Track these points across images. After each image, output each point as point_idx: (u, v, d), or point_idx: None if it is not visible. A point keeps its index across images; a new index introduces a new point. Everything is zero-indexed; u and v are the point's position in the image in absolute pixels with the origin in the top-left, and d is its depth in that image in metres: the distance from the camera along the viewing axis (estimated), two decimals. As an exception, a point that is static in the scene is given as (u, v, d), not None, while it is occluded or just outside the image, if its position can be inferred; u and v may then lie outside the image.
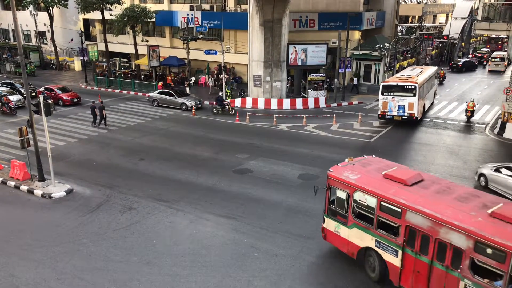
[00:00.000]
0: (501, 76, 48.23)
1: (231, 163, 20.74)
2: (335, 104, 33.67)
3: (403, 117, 26.59)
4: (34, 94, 32.90)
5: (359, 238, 11.78)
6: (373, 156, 13.90)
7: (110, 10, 40.96)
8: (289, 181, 18.58)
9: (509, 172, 16.76)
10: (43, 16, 48.79)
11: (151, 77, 42.03)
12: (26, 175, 18.69)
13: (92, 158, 21.78)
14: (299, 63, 33.88)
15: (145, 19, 39.95)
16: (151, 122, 28.83)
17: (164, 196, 17.13)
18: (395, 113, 26.70)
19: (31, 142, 17.75)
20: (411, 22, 65.70)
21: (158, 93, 33.74)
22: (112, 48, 45.71)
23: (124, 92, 39.27)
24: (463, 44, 63.84)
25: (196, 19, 41.64)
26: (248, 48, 33.99)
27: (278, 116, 29.60)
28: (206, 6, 43.02)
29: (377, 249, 11.32)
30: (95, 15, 43.93)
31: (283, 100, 32.99)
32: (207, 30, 38.67)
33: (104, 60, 46.24)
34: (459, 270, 9.50)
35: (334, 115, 29.25)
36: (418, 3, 72.50)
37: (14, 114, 30.12)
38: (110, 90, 39.92)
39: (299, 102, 32.96)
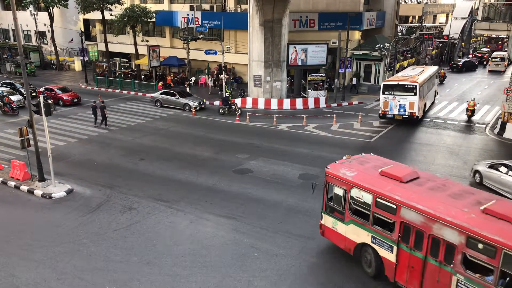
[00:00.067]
0: (501, 76, 48.22)
1: (231, 163, 20.74)
2: (335, 104, 33.67)
3: (404, 116, 26.77)
4: (34, 94, 32.91)
5: (355, 234, 11.97)
6: (371, 154, 14.05)
7: (110, 10, 40.98)
8: (289, 181, 18.58)
9: (504, 169, 16.98)
10: (43, 16, 48.81)
11: (151, 77, 42.04)
12: (26, 175, 18.70)
13: (92, 158, 21.78)
14: (299, 63, 33.88)
15: (145, 19, 39.96)
16: (151, 122, 28.83)
17: (164, 196, 17.13)
18: (396, 112, 26.88)
19: (31, 142, 17.76)
20: (411, 22, 65.70)
21: (161, 93, 33.65)
22: (112, 48, 45.73)
23: (124, 92, 39.28)
24: (463, 44, 63.83)
25: (196, 19, 41.65)
26: (248, 48, 33.99)
27: (278, 116, 29.60)
28: (206, 6, 43.03)
29: (373, 245, 11.50)
30: (95, 15, 43.95)
31: (283, 100, 32.99)
32: (207, 30, 38.70)
33: (104, 60, 46.25)
34: (451, 265, 9.67)
35: (334, 115, 29.25)
36: (418, 3, 72.52)
37: (16, 114, 30.11)
38: (110, 90, 39.93)
39: (299, 102, 32.96)
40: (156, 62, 40.42)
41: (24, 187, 18.06)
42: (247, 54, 34.79)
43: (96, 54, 43.83)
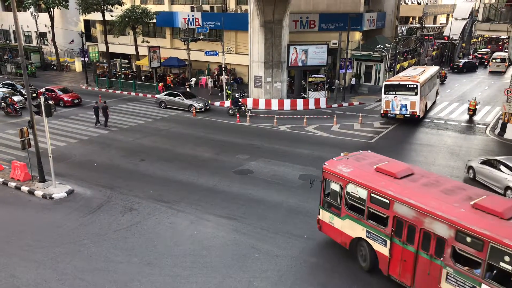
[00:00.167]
0: (502, 77, 48.20)
1: (232, 164, 20.74)
2: (336, 105, 33.66)
3: (405, 115, 26.99)
4: (35, 95, 32.93)
5: (351, 228, 12.23)
6: (369, 151, 14.27)
7: (111, 11, 40.99)
8: (290, 181, 18.57)
9: (502, 167, 17.32)
10: (43, 17, 48.88)
11: (151, 78, 42.06)
12: (26, 176, 18.71)
13: (92, 159, 21.79)
14: (300, 64, 33.88)
15: (146, 20, 39.97)
16: (152, 123, 28.85)
17: (165, 197, 17.13)
18: (397, 112, 27.09)
19: (32, 143, 17.78)
20: (412, 23, 65.70)
21: (165, 94, 33.55)
22: (112, 49, 45.76)
23: (125, 93, 39.31)
24: (463, 44, 63.81)
25: (196, 20, 41.69)
26: (249, 49, 34.01)
27: (278, 116, 29.60)
28: (206, 7, 43.06)
29: (367, 239, 11.76)
30: (96, 16, 44.02)
31: (284, 101, 33.00)
32: (208, 31, 38.70)
33: (104, 61, 46.28)
34: (441, 259, 9.89)
35: (335, 115, 29.25)
36: (419, 3, 72.53)
37: (19, 115, 30.10)
38: (110, 91, 39.96)
39: (299, 103, 32.97)
40: (156, 63, 40.43)
41: (24, 188, 18.07)
42: (248, 55, 34.80)
43: (96, 55, 43.85)
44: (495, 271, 9.09)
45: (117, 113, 31.27)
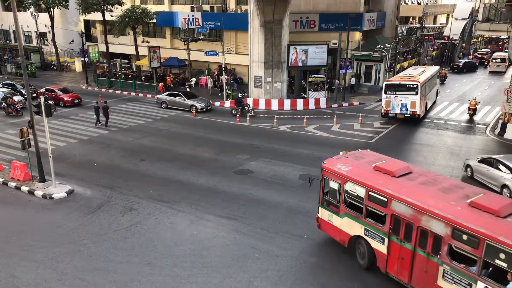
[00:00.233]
0: (502, 77, 48.19)
1: (232, 164, 20.74)
2: (336, 105, 33.66)
3: (405, 115, 27.12)
4: (35, 95, 32.93)
5: (349, 226, 12.33)
6: (368, 150, 14.42)
7: (111, 11, 41.00)
8: (290, 182, 18.58)
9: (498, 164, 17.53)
10: (44, 17, 48.88)
11: (151, 78, 42.06)
12: (26, 176, 18.71)
13: (92, 159, 21.79)
14: (300, 64, 33.88)
15: (146, 20, 39.97)
16: (152, 123, 28.85)
17: (165, 197, 17.13)
18: (398, 111, 27.22)
19: (32, 143, 17.78)
20: (412, 23, 65.72)
21: (166, 95, 33.50)
22: (112, 49, 45.76)
23: (125, 93, 39.31)
24: (463, 44, 63.82)
25: (196, 20, 41.68)
26: (249, 49, 34.01)
27: (278, 116, 29.59)
28: (206, 7, 43.06)
29: (365, 237, 11.87)
30: (96, 16, 44.02)
31: (284, 101, 33.00)
32: (208, 31, 38.71)
33: (104, 61, 46.28)
34: (438, 256, 9.99)
35: (335, 116, 29.25)
36: (419, 3, 72.54)
37: (20, 115, 30.07)
38: (110, 91, 39.97)
39: (299, 103, 32.97)
40: (156, 63, 40.42)
41: (24, 188, 18.08)
42: (248, 55, 34.80)
43: (96, 55, 43.85)
44: (490, 269, 9.18)
45: (117, 113, 31.26)
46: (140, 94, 38.55)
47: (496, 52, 60.12)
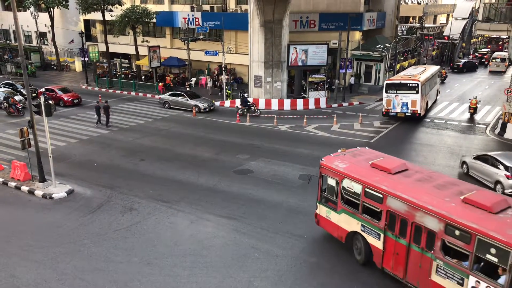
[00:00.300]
0: (502, 76, 48.20)
1: (232, 164, 20.74)
2: (336, 105, 33.66)
3: (406, 113, 27.35)
4: (35, 94, 32.91)
5: (347, 223, 12.51)
6: (366, 148, 14.59)
7: (111, 11, 40.99)
8: (290, 181, 18.57)
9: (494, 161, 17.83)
10: (43, 16, 48.87)
11: (151, 78, 42.05)
12: (26, 175, 18.70)
13: (92, 159, 21.79)
14: (300, 64, 33.87)
15: (146, 20, 39.95)
16: (152, 123, 28.84)
17: (165, 197, 17.13)
18: (398, 110, 27.44)
19: (32, 142, 17.77)
20: (412, 23, 65.70)
21: (169, 95, 33.40)
22: (112, 48, 45.75)
23: (125, 92, 39.30)
24: (463, 44, 63.81)
25: (196, 20, 41.67)
26: (249, 48, 34.00)
27: (278, 116, 29.59)
28: (206, 7, 43.04)
29: (362, 233, 12.07)
30: (96, 15, 44.00)
31: (284, 101, 33.00)
32: (208, 31, 38.70)
33: (104, 60, 46.28)
34: (432, 252, 10.19)
35: (335, 115, 29.24)
36: (419, 3, 72.49)
37: (22, 115, 30.02)
38: (110, 90, 39.96)
39: (299, 103, 32.96)
40: (156, 62, 40.42)
41: (24, 188, 18.07)
42: (248, 54, 34.79)
43: (96, 54, 43.84)
44: (482, 263, 9.36)
45: (117, 113, 31.24)
46: (140, 94, 38.55)
47: (496, 51, 60.14)
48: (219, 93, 37.60)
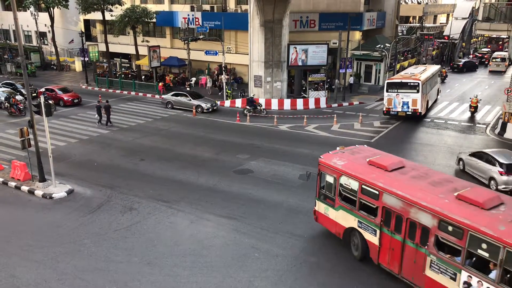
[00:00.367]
0: (502, 76, 48.19)
1: (232, 164, 20.74)
2: (336, 105, 33.65)
3: (407, 112, 27.50)
4: (35, 94, 32.89)
5: (344, 219, 12.70)
6: (365, 145, 14.78)
7: (111, 10, 40.96)
8: (290, 181, 18.57)
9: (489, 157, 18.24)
10: (43, 16, 48.85)
11: (151, 78, 42.05)
12: (26, 175, 18.70)
13: (92, 159, 21.79)
14: (300, 64, 33.87)
15: (146, 20, 39.92)
16: (152, 123, 28.84)
17: (165, 197, 17.13)
18: (399, 109, 27.60)
19: (32, 142, 17.77)
20: (412, 23, 65.66)
21: (172, 95, 33.32)
22: (112, 48, 45.73)
23: (125, 92, 39.29)
24: (463, 44, 63.80)
25: (196, 20, 41.65)
26: (249, 48, 33.99)
27: (278, 116, 29.58)
28: (206, 7, 43.03)
29: (359, 229, 12.32)
30: (96, 15, 43.96)
31: (284, 101, 32.99)
32: (208, 31, 38.69)
33: (104, 60, 46.26)
34: (426, 247, 10.40)
35: (335, 115, 29.24)
36: (419, 3, 72.44)
37: (23, 115, 29.97)
38: (110, 90, 39.94)
39: (299, 103, 32.95)
40: (156, 62, 40.40)
41: (24, 188, 18.07)
42: (248, 54, 34.78)
43: (96, 54, 43.82)
44: (474, 258, 9.62)
45: (117, 112, 31.22)
46: (140, 94, 38.54)
47: (496, 51, 60.13)
48: (219, 93, 37.58)
